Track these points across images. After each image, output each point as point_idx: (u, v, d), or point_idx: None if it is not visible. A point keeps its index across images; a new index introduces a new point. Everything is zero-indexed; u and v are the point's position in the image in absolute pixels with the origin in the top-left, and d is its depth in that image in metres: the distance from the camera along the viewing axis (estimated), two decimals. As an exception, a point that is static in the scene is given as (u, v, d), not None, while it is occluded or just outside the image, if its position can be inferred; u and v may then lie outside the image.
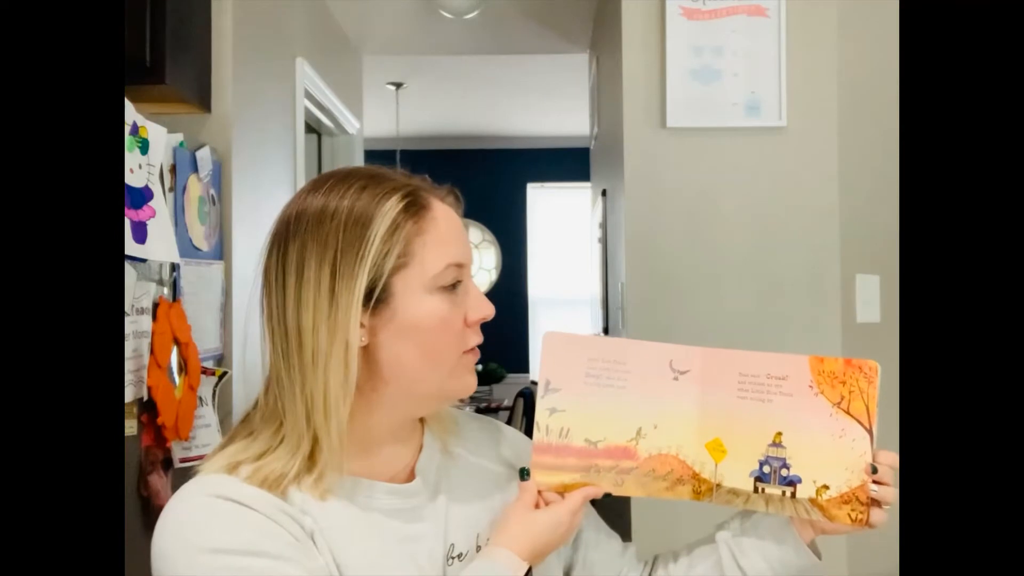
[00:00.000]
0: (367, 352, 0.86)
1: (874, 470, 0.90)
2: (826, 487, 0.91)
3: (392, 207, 0.84)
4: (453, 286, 0.87)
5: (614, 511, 0.96)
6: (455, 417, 1.01)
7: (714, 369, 0.94)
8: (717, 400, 0.93)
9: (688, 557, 1.02)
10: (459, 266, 0.88)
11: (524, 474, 0.92)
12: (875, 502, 0.91)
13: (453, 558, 0.89)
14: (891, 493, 0.91)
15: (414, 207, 0.86)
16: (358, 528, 0.85)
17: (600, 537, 1.05)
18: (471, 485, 0.96)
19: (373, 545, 0.85)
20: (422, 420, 0.97)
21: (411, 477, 0.92)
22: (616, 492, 0.93)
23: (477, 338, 0.90)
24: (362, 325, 0.84)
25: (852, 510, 0.90)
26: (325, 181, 0.88)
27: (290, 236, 0.85)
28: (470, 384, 0.91)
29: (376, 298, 0.84)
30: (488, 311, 0.90)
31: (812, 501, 0.91)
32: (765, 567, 0.96)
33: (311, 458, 0.84)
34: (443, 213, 0.88)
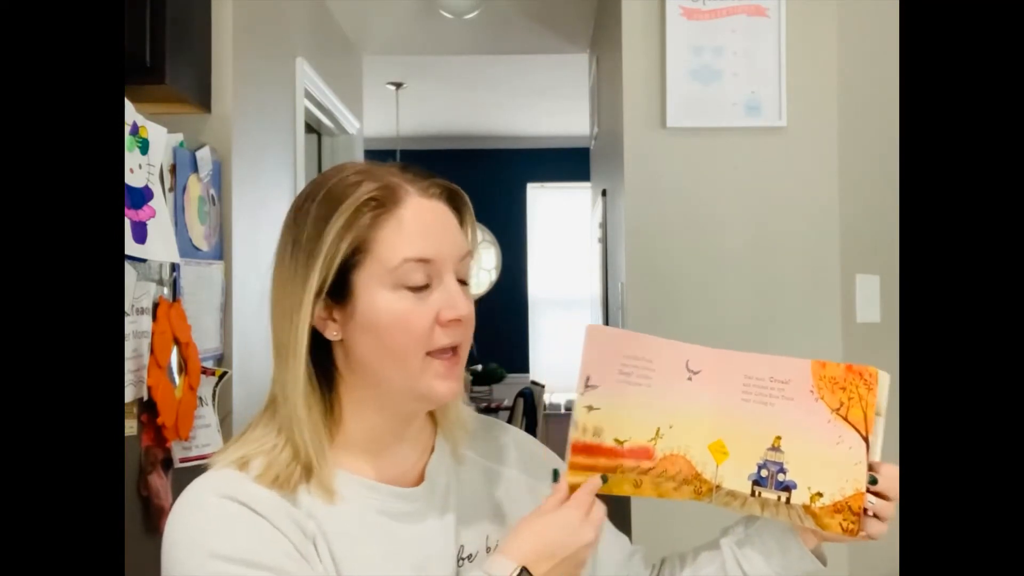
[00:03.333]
0: (343, 347, 0.87)
1: (872, 481, 0.89)
2: (820, 494, 0.90)
3: (355, 201, 0.84)
4: (424, 285, 0.85)
5: (617, 514, 0.95)
6: (464, 420, 0.99)
7: (722, 370, 0.93)
8: (723, 401, 0.92)
9: (693, 562, 1.01)
10: (424, 261, 0.84)
11: (555, 476, 0.90)
12: (873, 513, 0.90)
13: (463, 559, 0.90)
14: (890, 508, 0.89)
15: (378, 200, 0.84)
16: (365, 531, 0.85)
17: (606, 541, 1.04)
18: (481, 487, 0.96)
19: (379, 549, 0.85)
20: (434, 422, 0.97)
21: (420, 478, 0.92)
22: (634, 494, 0.92)
23: (448, 339, 0.86)
24: (334, 320, 0.85)
25: (844, 519, 0.89)
26: (324, 173, 0.90)
27: (283, 230, 0.88)
28: (440, 391, 0.86)
29: (338, 293, 0.84)
30: (459, 311, 0.85)
31: (805, 508, 0.91)
32: (769, 572, 0.96)
33: (309, 452, 0.85)
34: (417, 207, 0.86)
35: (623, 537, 1.06)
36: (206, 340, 2.02)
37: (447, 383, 0.86)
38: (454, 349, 0.87)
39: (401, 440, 0.92)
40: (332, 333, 0.85)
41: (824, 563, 0.96)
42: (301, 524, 0.82)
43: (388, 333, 0.84)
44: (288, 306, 0.84)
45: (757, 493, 0.92)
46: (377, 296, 0.84)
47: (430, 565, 0.87)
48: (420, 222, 0.85)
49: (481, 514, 0.93)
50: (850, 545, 2.25)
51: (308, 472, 0.84)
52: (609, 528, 1.05)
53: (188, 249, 1.94)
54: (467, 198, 0.92)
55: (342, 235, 0.83)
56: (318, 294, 0.83)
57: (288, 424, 0.85)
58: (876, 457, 0.90)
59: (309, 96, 3.10)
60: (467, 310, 0.86)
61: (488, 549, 0.92)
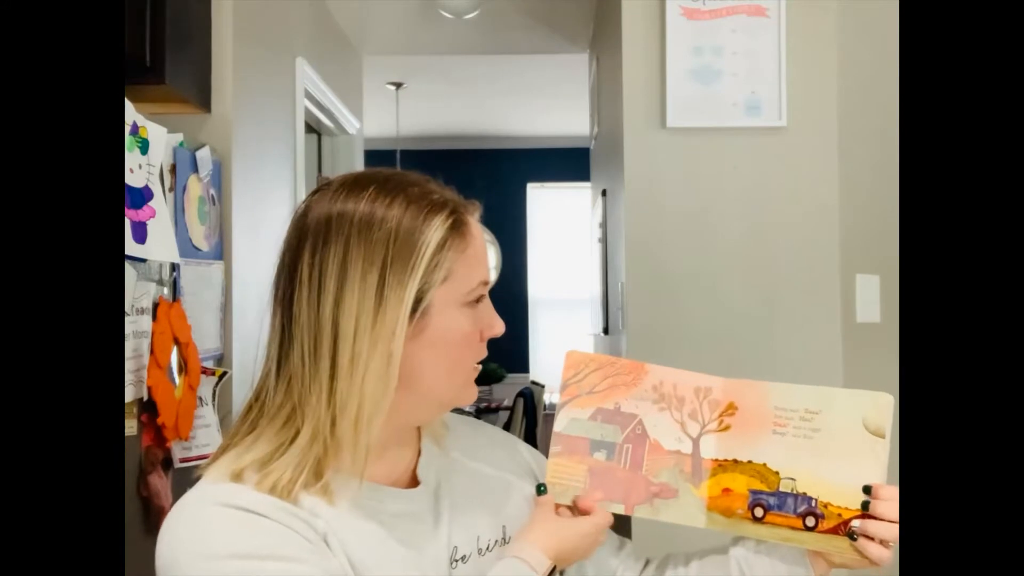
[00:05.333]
0: None
1: (864, 506, 0.91)
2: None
3: (440, 224, 0.86)
4: (476, 302, 0.90)
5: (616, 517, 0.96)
6: (444, 420, 1.02)
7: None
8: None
9: (699, 564, 1.02)
10: (485, 283, 0.91)
11: (540, 490, 0.95)
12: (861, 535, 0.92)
13: (456, 560, 0.90)
14: (885, 529, 0.90)
15: (458, 225, 0.88)
16: (365, 532, 0.85)
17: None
18: (470, 488, 0.96)
19: (380, 550, 0.85)
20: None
21: (413, 479, 0.93)
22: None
23: (484, 353, 0.93)
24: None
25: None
26: (365, 186, 0.87)
27: (331, 236, 0.84)
28: (473, 395, 0.94)
29: (413, 310, 0.85)
30: (501, 328, 0.93)
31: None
32: None
33: (320, 463, 0.84)
34: (476, 230, 0.91)
35: (610, 533, 1.07)
36: (206, 340, 2.02)
37: (475, 390, 0.95)
38: None
39: (400, 443, 0.93)
40: None
41: None
42: (310, 523, 0.82)
43: (455, 347, 0.88)
44: (370, 325, 0.83)
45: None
46: (451, 314, 0.87)
47: (425, 566, 0.87)
48: (481, 245, 0.91)
49: (472, 514, 0.94)
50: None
51: (312, 480, 0.84)
52: None
53: (188, 249, 1.94)
54: None
55: (437, 255, 0.85)
56: (410, 313, 0.84)
57: (327, 433, 0.83)
58: (878, 480, 0.91)
59: (309, 96, 3.10)
60: (504, 326, 0.93)
61: (480, 550, 0.92)
